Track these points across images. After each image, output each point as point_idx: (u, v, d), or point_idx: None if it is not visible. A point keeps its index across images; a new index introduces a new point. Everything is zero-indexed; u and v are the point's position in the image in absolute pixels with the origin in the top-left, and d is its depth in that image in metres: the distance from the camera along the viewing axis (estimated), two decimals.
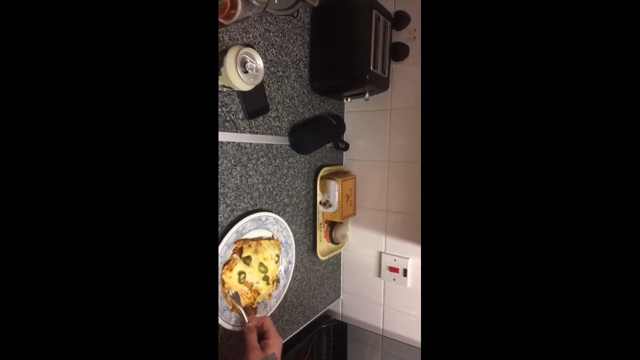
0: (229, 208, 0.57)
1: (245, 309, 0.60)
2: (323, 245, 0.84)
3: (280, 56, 0.65)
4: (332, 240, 0.86)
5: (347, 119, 0.89)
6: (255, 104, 0.58)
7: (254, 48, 0.51)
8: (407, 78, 0.79)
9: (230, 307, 0.59)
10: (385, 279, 0.87)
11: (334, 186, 0.79)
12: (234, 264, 0.58)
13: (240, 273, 0.59)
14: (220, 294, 0.57)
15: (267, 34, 0.62)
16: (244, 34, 0.57)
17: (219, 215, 0.56)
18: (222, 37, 0.53)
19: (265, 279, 0.64)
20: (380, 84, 0.74)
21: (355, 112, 0.89)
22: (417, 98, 0.78)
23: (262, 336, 0.56)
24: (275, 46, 0.64)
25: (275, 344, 0.56)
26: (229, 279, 0.58)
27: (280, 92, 0.66)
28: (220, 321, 0.56)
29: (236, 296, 0.59)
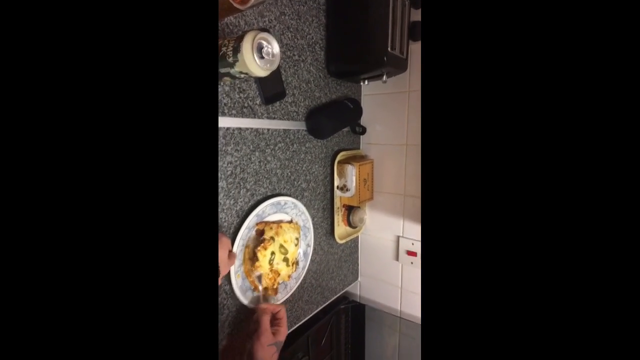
0: (249, 193, 0.59)
1: (265, 289, 0.63)
2: (341, 229, 0.86)
3: (296, 39, 0.65)
4: (349, 224, 0.87)
5: (364, 103, 0.88)
6: (272, 89, 0.58)
7: (269, 32, 0.51)
8: None
9: (253, 288, 0.61)
10: (403, 262, 0.87)
11: (351, 170, 0.79)
12: (269, 244, 0.60)
13: (272, 253, 0.61)
14: (242, 274, 0.59)
15: (282, 17, 0.61)
16: (259, 18, 0.57)
17: (240, 200, 0.58)
18: (238, 22, 0.53)
19: (285, 260, 0.66)
20: (398, 65, 0.72)
21: (373, 95, 0.88)
22: None
23: (272, 322, 0.58)
24: (291, 29, 0.64)
25: (285, 334, 0.58)
26: (263, 257, 0.60)
27: (296, 76, 0.66)
28: (244, 300, 0.59)
29: (260, 278, 0.62)
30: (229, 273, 0.56)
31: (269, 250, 0.61)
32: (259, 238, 0.62)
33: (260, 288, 0.62)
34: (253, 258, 0.61)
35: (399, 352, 0.92)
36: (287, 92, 0.63)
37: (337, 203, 0.83)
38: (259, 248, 0.60)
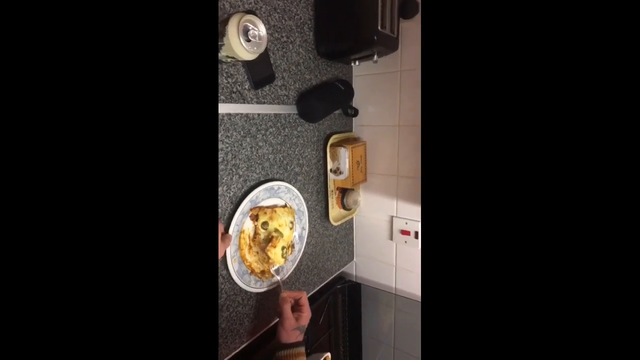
0: (241, 179, 0.59)
1: (262, 272, 0.64)
2: (335, 211, 0.86)
3: (283, 20, 0.63)
4: (343, 207, 0.88)
5: (356, 84, 0.87)
6: (260, 73, 0.57)
7: (256, 14, 0.50)
8: (417, 37, 0.75)
9: (250, 271, 0.62)
10: (397, 241, 0.89)
11: (344, 153, 0.79)
12: (277, 241, 0.63)
13: (283, 248, 0.64)
14: (239, 258, 0.60)
15: None
16: (245, 0, 0.55)
17: (233, 186, 0.58)
18: (223, 4, 0.51)
19: None
20: (389, 45, 0.71)
21: (364, 75, 0.86)
22: None
23: (295, 308, 0.62)
24: (278, 10, 0.62)
25: (308, 318, 0.61)
26: (275, 255, 0.63)
27: (285, 58, 0.65)
28: (241, 284, 0.60)
29: (278, 270, 0.66)
30: (225, 258, 0.57)
31: (279, 247, 0.63)
32: (254, 223, 0.63)
33: (279, 278, 0.66)
34: (265, 257, 0.64)
35: (395, 327, 0.96)
36: (276, 75, 0.62)
37: (331, 186, 0.83)
38: (268, 247, 0.62)
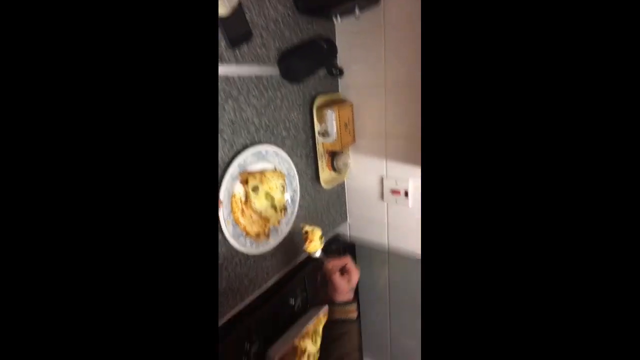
0: (227, 143, 0.59)
1: (257, 235, 0.66)
2: (326, 174, 0.87)
3: None
4: (334, 169, 0.88)
5: (339, 42, 0.84)
6: (236, 30, 0.55)
7: None
8: None
9: (245, 234, 0.64)
10: (388, 201, 0.91)
11: (331, 115, 0.78)
12: (313, 235, 0.65)
13: (321, 237, 0.66)
14: (232, 221, 0.61)
15: None
16: None
17: (219, 151, 0.57)
18: None
19: (273, 207, 0.68)
20: None
21: (347, 32, 0.83)
22: (412, 12, 0.72)
23: (343, 272, 0.64)
24: None
25: (356, 279, 0.65)
26: (314, 248, 0.65)
27: (262, 15, 0.62)
28: (237, 245, 0.62)
29: (321, 253, 0.67)
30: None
31: (316, 240, 0.65)
32: (245, 187, 0.63)
33: (318, 255, 0.66)
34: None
35: (389, 284, 1.00)
36: (254, 33, 0.60)
37: (320, 149, 0.83)
38: (306, 245, 0.65)
